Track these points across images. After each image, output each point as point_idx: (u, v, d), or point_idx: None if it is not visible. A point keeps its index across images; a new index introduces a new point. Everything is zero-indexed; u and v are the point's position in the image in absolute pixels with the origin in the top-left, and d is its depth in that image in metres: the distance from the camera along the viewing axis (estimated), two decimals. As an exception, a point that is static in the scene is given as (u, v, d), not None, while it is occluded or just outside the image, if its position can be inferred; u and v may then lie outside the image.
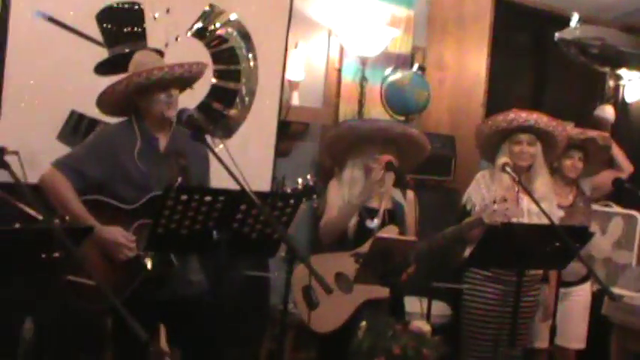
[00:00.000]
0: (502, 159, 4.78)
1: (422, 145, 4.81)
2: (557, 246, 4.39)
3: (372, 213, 4.61)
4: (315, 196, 4.40)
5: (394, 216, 4.65)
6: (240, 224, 3.53)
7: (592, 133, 5.41)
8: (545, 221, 4.72)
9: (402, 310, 4.84)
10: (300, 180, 4.37)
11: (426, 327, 3.82)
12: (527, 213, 4.85)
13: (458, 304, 5.03)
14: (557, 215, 4.95)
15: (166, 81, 3.87)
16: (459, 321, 4.98)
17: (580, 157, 5.33)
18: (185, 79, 4.02)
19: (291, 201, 3.65)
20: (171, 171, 3.96)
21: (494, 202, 4.64)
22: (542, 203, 4.73)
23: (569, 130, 5.38)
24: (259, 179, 4.65)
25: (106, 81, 4.31)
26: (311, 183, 4.35)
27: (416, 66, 6.20)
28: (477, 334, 4.86)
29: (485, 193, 4.82)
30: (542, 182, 4.85)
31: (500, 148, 4.90)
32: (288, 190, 4.44)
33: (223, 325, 3.72)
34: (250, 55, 5.39)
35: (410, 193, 4.68)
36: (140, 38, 4.88)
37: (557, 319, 5.24)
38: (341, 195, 4.64)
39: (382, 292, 4.38)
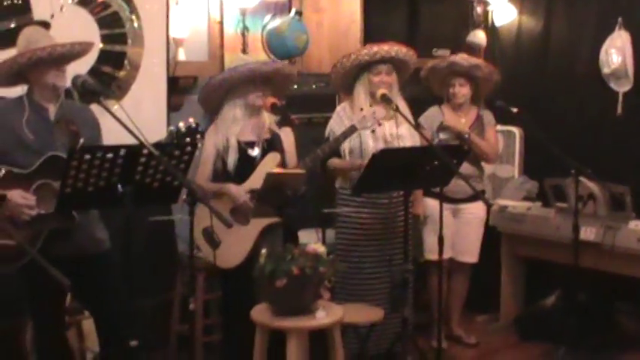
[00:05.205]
0: (380, 90, 5.01)
1: (289, 75, 5.08)
2: (437, 164, 4.66)
3: (251, 145, 4.85)
4: (199, 136, 4.50)
5: (272, 144, 4.89)
6: (141, 176, 3.70)
7: (476, 61, 5.69)
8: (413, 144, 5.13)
9: (297, 241, 5.10)
10: (181, 123, 4.45)
11: (321, 248, 4.08)
12: (398, 138, 5.15)
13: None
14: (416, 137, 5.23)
15: (64, 57, 4.09)
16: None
17: (461, 83, 5.62)
18: (75, 55, 4.22)
19: (187, 148, 3.83)
20: (62, 136, 4.13)
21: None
22: (404, 126, 5.12)
23: (458, 58, 5.68)
24: (156, 134, 4.80)
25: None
26: (194, 125, 4.44)
27: (293, 11, 6.30)
28: (351, 255, 5.20)
29: (348, 123, 5.03)
30: (402, 107, 5.11)
31: (359, 80, 5.20)
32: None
33: (134, 278, 3.80)
34: (134, 17, 5.46)
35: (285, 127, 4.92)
36: (24, 11, 4.92)
37: (452, 234, 5.62)
38: (219, 135, 4.85)
39: (276, 216, 4.70)
